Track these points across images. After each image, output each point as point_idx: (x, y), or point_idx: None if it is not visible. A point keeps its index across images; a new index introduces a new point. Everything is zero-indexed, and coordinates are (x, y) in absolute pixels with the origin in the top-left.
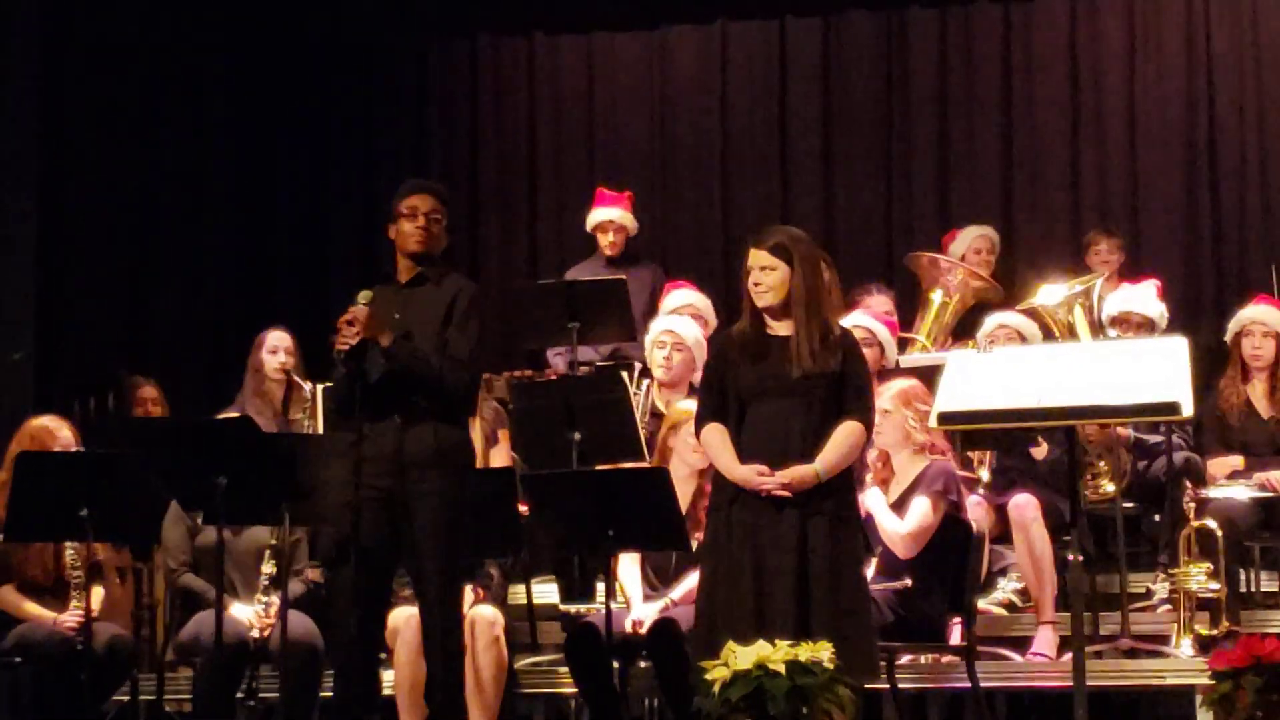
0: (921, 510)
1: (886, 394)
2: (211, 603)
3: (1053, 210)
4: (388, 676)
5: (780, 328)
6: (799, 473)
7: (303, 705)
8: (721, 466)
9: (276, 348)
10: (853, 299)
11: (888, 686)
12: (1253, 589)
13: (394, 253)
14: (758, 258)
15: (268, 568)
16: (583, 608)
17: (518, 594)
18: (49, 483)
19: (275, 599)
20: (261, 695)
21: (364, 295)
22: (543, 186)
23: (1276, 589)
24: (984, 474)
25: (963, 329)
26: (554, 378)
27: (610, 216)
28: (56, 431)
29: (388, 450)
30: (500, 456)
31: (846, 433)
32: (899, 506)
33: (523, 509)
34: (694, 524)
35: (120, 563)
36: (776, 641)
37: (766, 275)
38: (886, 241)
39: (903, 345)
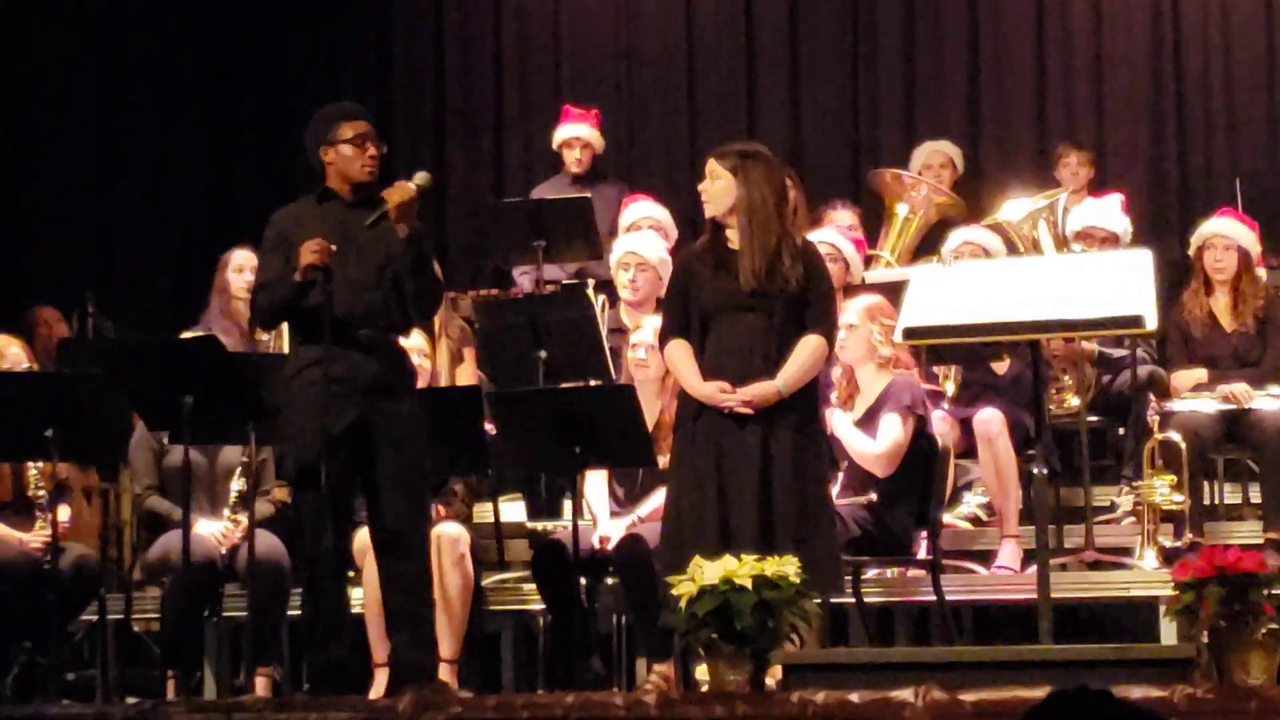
0: (892, 427)
1: (852, 309)
2: (178, 523)
3: (1018, 125)
4: (355, 595)
5: (736, 241)
6: (760, 389)
7: (270, 624)
8: (685, 383)
9: (243, 267)
10: (817, 215)
11: (854, 600)
12: (1216, 501)
13: (322, 175)
14: (708, 167)
15: (237, 484)
16: (550, 525)
17: (484, 512)
18: (13, 402)
19: (243, 517)
20: (229, 614)
21: (423, 177)
22: (508, 104)
23: (1240, 501)
24: (949, 387)
25: (927, 245)
26: (520, 296)
27: (577, 133)
28: (5, 349)
29: (366, 370)
30: (466, 375)
31: (808, 348)
32: (866, 422)
33: (489, 427)
34: (660, 441)
35: (87, 483)
36: (742, 556)
37: (712, 184)
38: (853, 158)
39: (867, 262)
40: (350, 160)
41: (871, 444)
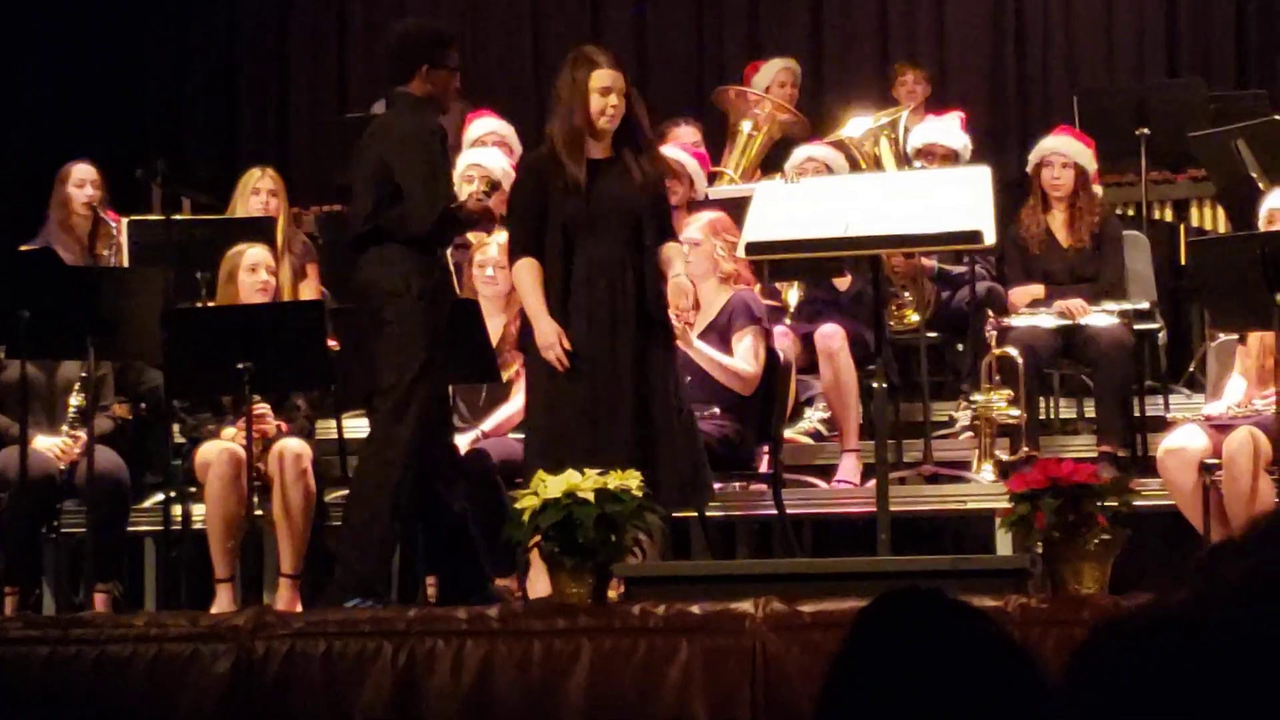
0: (753, 346)
1: (695, 225)
2: (16, 439)
3: (860, 42)
4: (197, 510)
5: (597, 152)
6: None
7: (109, 540)
8: (530, 310)
9: (83, 181)
10: (661, 132)
11: (696, 514)
12: (1052, 415)
13: (433, 90)
14: (619, 84)
15: (76, 400)
16: None
17: (328, 428)
18: None
19: (82, 433)
20: (68, 531)
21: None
22: (352, 20)
23: (1075, 415)
24: (792, 294)
25: (770, 162)
26: None
27: None
28: None
29: None
30: (309, 290)
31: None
32: (705, 337)
33: (332, 343)
34: (504, 355)
35: None
36: (586, 470)
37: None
38: (698, 76)
39: (711, 179)
40: (449, 89)
41: (743, 364)
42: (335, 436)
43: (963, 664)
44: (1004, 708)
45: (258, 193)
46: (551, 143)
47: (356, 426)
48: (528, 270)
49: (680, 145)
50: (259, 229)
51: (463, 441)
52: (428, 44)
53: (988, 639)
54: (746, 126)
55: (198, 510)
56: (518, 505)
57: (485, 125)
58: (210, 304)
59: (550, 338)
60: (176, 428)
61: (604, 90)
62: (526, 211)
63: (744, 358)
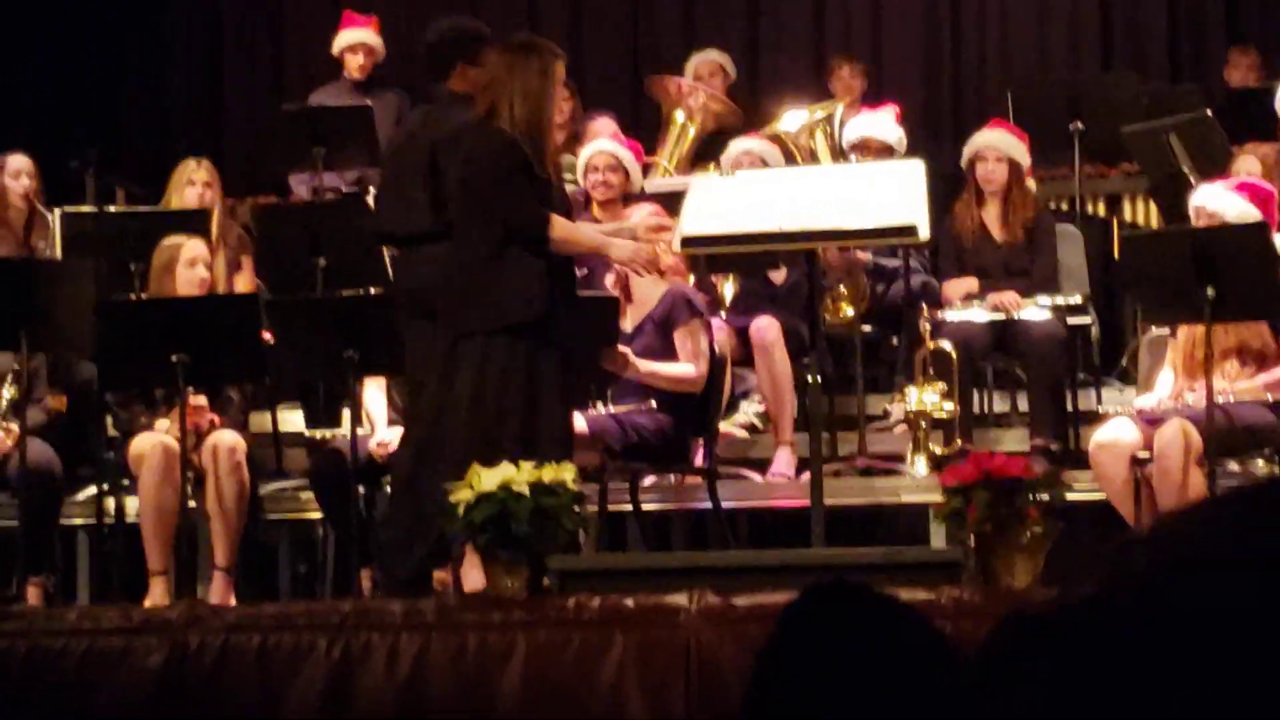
0: (697, 344)
1: (633, 218)
2: None
3: (796, 35)
4: (131, 503)
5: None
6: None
7: (42, 532)
8: (595, 241)
9: (18, 172)
10: (579, 129)
11: (631, 508)
12: (985, 409)
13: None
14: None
15: (9, 391)
16: (328, 433)
17: (262, 421)
18: None
19: (14, 424)
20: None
21: None
22: (287, 11)
23: (1008, 409)
24: (727, 288)
25: (705, 154)
26: (298, 203)
27: (360, 38)
28: None
29: None
30: (244, 283)
31: None
32: (640, 331)
33: (267, 336)
34: None
35: None
36: (521, 463)
37: None
38: (633, 68)
39: (645, 170)
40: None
41: (687, 368)
42: (270, 429)
43: (886, 656)
44: (926, 700)
45: (192, 184)
46: (516, 128)
47: (291, 419)
48: (562, 220)
49: (607, 138)
50: (193, 221)
51: (395, 434)
52: (463, 43)
53: (911, 632)
54: (680, 116)
55: (131, 503)
56: (451, 498)
57: None
58: (143, 296)
59: (631, 245)
60: (110, 420)
61: (559, 81)
62: (527, 183)
63: (690, 358)
